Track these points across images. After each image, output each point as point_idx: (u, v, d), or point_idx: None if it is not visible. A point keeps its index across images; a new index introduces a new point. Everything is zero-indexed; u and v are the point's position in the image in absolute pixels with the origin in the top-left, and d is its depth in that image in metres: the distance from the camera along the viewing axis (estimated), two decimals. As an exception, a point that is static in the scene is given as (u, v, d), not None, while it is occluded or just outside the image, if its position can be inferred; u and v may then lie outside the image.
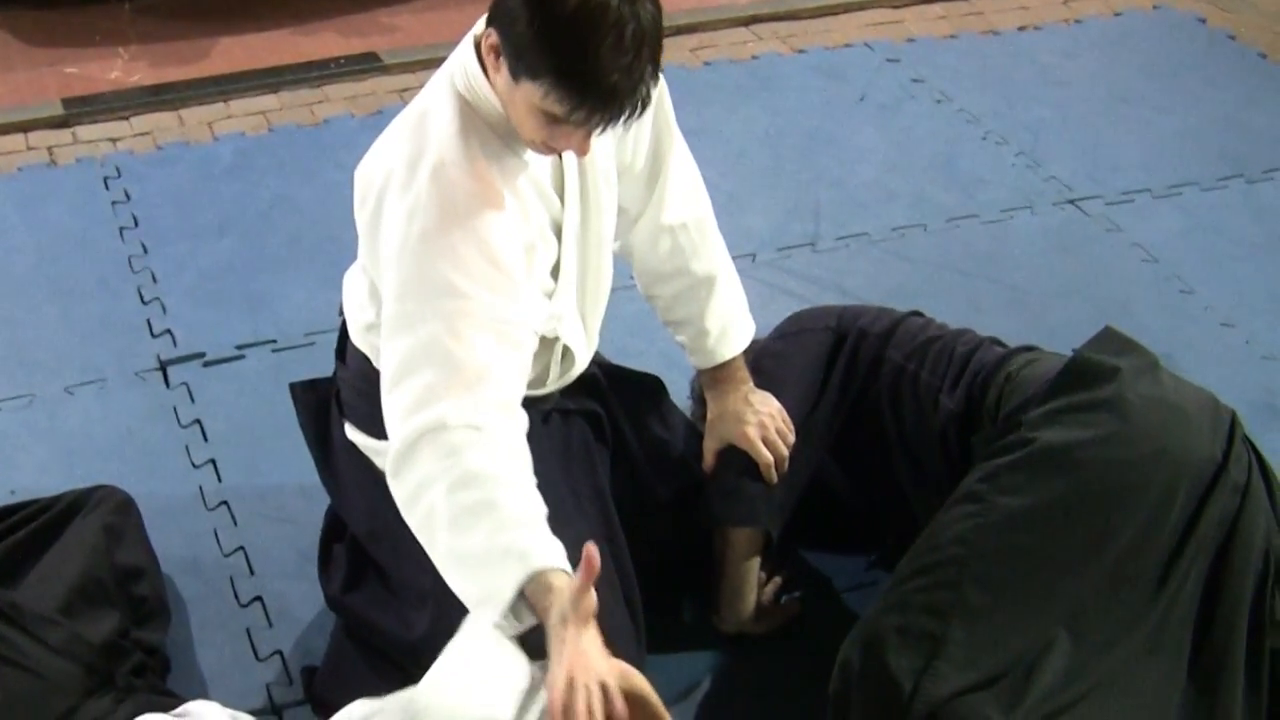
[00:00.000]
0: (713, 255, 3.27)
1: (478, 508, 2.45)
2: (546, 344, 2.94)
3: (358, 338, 3.01)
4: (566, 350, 3.00)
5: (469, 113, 2.66)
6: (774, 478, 3.22)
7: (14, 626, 2.80)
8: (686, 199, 3.19)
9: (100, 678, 2.80)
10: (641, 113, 2.55)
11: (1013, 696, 2.66)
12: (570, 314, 2.97)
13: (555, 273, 2.90)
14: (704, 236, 3.24)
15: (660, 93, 2.93)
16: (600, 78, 2.44)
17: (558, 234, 2.87)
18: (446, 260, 2.55)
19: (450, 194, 2.58)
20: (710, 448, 3.31)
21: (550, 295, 2.89)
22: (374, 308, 2.86)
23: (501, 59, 2.52)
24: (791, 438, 3.25)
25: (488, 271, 2.58)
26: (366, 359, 2.98)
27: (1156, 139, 5.66)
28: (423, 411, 2.50)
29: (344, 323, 3.12)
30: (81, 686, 2.75)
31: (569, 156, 2.83)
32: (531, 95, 2.50)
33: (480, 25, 2.66)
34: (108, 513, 3.23)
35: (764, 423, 3.22)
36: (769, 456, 3.21)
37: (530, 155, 2.74)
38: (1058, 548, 2.77)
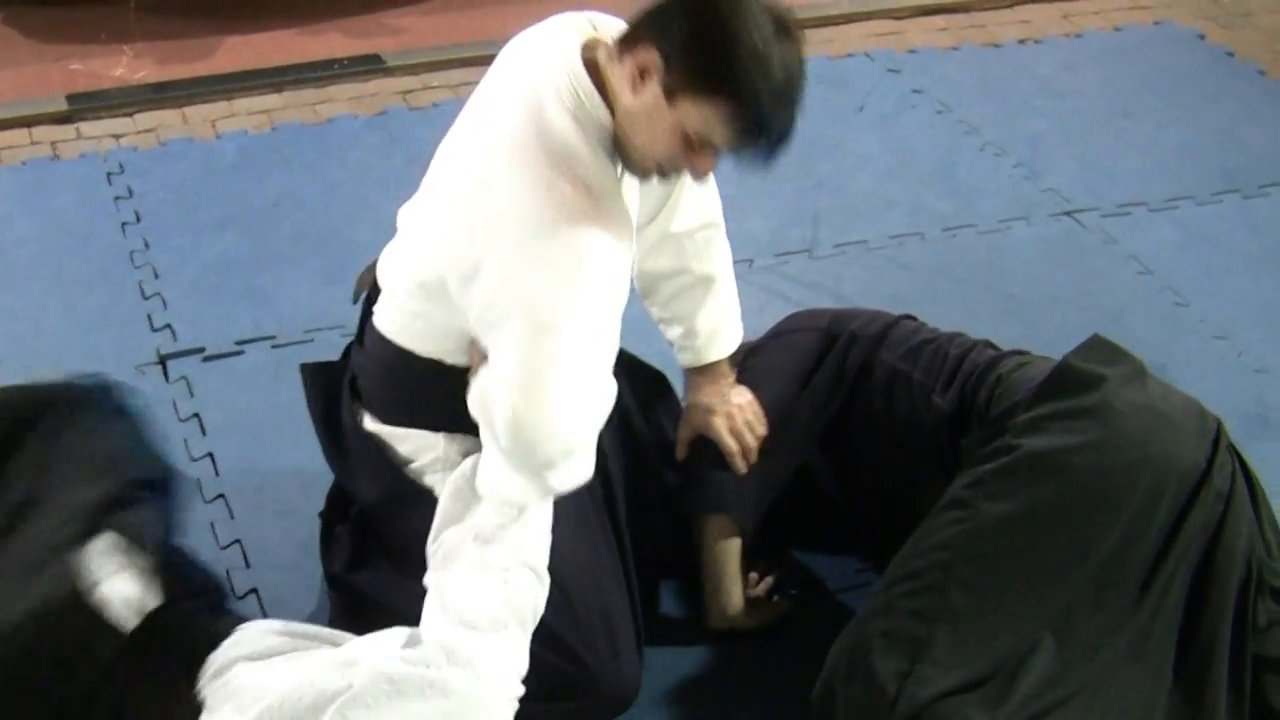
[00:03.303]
0: (715, 260, 3.30)
1: None
2: None
3: (387, 325, 3.00)
4: None
5: (583, 128, 2.65)
6: (741, 467, 3.26)
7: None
8: (698, 209, 3.22)
9: None
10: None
11: (996, 699, 2.68)
12: None
13: None
14: (709, 242, 3.27)
15: None
16: (777, 115, 2.54)
17: None
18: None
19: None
20: (683, 437, 3.36)
21: None
22: (416, 313, 2.89)
23: (653, 79, 2.55)
24: (762, 429, 3.28)
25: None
26: (390, 351, 2.99)
27: (1154, 152, 5.68)
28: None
29: (365, 307, 3.13)
30: None
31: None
32: (690, 117, 2.56)
33: (577, 36, 2.72)
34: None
35: (732, 413, 3.26)
36: (734, 445, 3.25)
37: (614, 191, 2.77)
38: (1042, 553, 2.80)
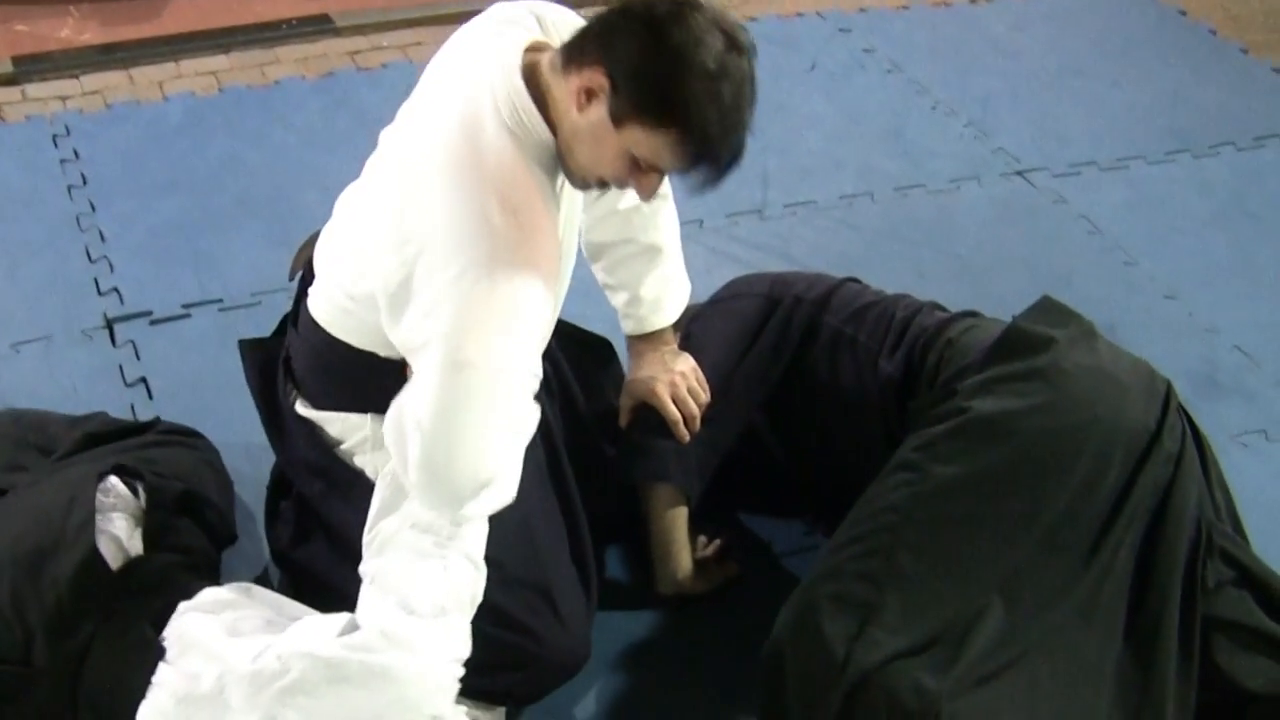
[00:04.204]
0: (661, 230, 3.28)
1: None
2: None
3: (320, 310, 2.97)
4: None
5: (521, 146, 2.59)
6: (684, 434, 3.25)
7: None
8: None
9: None
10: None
11: (945, 661, 2.67)
12: None
13: None
14: (656, 214, 3.25)
15: None
16: (726, 141, 2.50)
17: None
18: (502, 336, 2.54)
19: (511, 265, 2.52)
20: (625, 405, 3.35)
21: None
22: (357, 290, 2.81)
23: (600, 101, 2.49)
24: (704, 396, 3.28)
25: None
26: (321, 338, 2.96)
27: (1105, 112, 5.68)
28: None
29: (301, 284, 3.10)
30: None
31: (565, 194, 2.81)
32: (638, 142, 2.50)
33: (522, 36, 2.67)
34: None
35: (675, 380, 3.25)
36: (676, 413, 3.24)
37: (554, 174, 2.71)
38: (991, 516, 2.79)
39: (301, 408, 3.07)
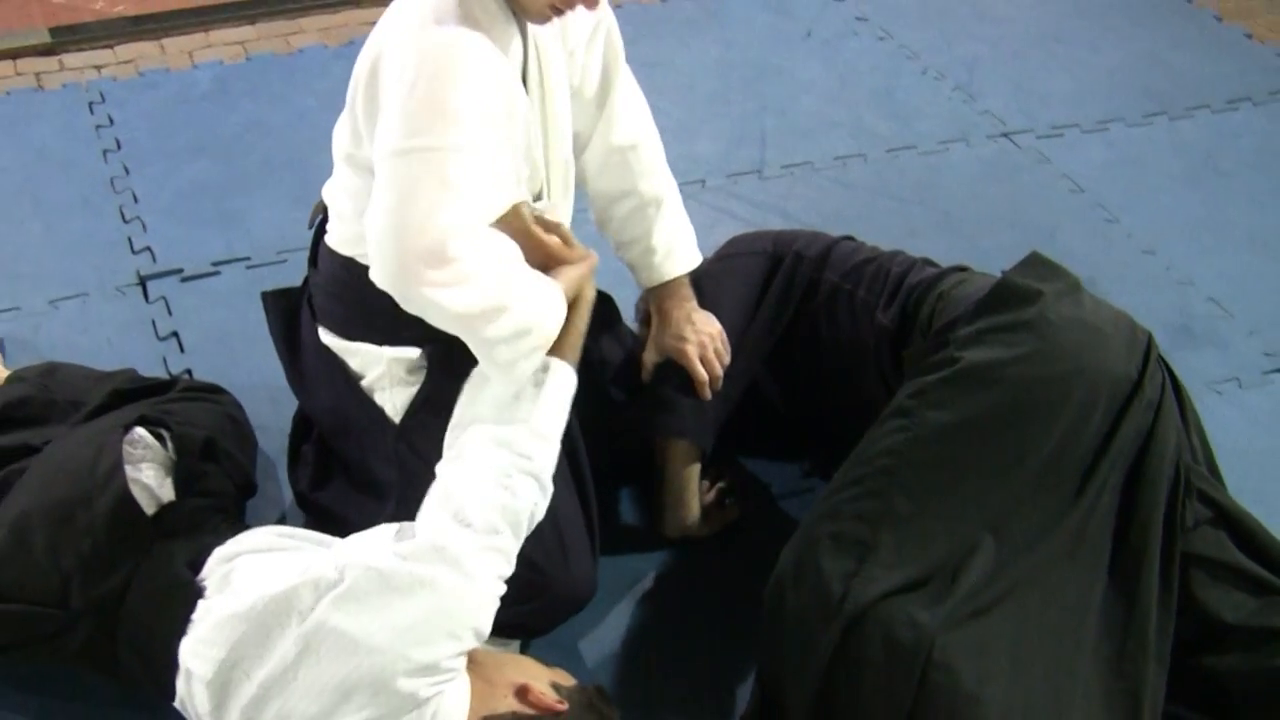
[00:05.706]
0: (660, 178, 3.28)
1: None
2: None
3: (335, 240, 2.98)
4: None
5: None
6: (708, 394, 3.25)
7: None
8: (634, 122, 3.21)
9: None
10: None
11: (938, 597, 2.67)
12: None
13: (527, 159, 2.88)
14: (653, 159, 3.26)
15: (611, 23, 3.02)
16: None
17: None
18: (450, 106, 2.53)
19: (454, 47, 2.55)
20: (649, 359, 3.33)
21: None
22: (353, 214, 2.83)
23: None
24: (728, 358, 3.27)
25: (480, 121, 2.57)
26: (338, 263, 2.97)
27: (1086, 76, 5.67)
28: None
29: (318, 229, 3.11)
30: None
31: (533, 59, 2.82)
32: None
33: None
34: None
35: (704, 342, 3.24)
36: (704, 374, 3.23)
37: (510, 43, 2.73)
38: (982, 459, 2.78)
39: (325, 336, 3.06)
